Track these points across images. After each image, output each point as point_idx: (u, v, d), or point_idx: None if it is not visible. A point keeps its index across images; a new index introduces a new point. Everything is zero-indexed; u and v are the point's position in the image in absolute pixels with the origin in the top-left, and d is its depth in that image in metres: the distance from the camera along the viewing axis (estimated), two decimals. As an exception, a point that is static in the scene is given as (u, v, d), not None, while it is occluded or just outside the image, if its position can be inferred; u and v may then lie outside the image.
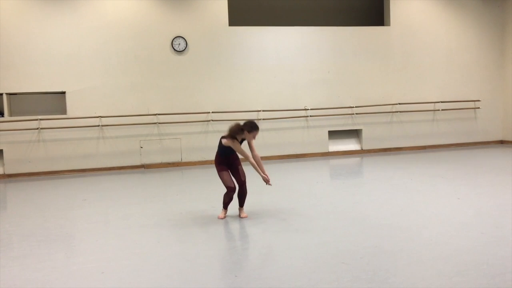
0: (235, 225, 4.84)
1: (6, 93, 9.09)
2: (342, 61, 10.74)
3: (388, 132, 11.09)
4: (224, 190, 5.13)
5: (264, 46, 10.32)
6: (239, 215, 5.14)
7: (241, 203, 5.17)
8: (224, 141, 4.93)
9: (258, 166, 4.98)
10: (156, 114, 9.72)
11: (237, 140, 4.91)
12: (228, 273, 3.49)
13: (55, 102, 9.46)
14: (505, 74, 11.74)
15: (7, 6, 9.02)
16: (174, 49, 9.82)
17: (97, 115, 9.43)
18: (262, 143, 10.07)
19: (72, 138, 9.38)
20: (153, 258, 3.82)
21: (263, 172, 5.00)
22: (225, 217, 5.11)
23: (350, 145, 11.01)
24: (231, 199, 5.08)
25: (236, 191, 5.08)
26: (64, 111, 9.42)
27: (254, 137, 4.96)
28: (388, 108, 11.03)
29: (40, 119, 9.17)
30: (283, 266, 3.50)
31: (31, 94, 9.34)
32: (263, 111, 10.19)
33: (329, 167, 9.44)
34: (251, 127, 4.92)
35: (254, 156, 4.98)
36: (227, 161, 5.07)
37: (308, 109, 10.50)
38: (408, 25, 11.10)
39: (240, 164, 5.12)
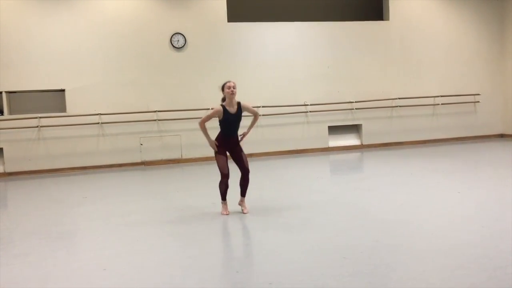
0: (236, 221, 4.84)
1: (6, 92, 9.08)
2: (342, 56, 10.71)
3: (388, 127, 11.08)
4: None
5: (263, 42, 10.30)
6: (240, 206, 5.12)
7: (243, 192, 5.12)
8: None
9: (251, 124, 5.20)
10: (156, 111, 9.71)
11: (222, 107, 4.87)
12: (229, 269, 3.50)
13: (54, 100, 9.44)
14: (504, 67, 11.72)
15: (6, 4, 8.99)
16: (173, 46, 9.80)
17: (97, 113, 9.42)
18: (262, 139, 10.08)
19: (72, 135, 9.37)
20: (154, 255, 3.82)
21: (248, 129, 5.19)
22: (228, 212, 5.07)
23: (350, 140, 11.00)
24: (226, 186, 5.04)
25: (236, 180, 5.07)
26: (63, 109, 9.42)
27: (230, 91, 4.84)
28: (388, 103, 11.01)
29: (40, 117, 9.16)
30: (284, 261, 3.50)
31: (30, 92, 9.32)
32: (262, 107, 10.17)
33: (329, 163, 9.44)
34: (222, 86, 4.96)
35: (256, 116, 5.17)
36: (228, 143, 5.01)
37: (307, 105, 10.49)
38: (408, 19, 11.07)
39: (242, 151, 5.08)
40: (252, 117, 5.22)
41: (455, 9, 11.37)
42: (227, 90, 4.88)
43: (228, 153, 5.08)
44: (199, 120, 5.04)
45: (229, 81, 4.94)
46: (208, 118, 4.96)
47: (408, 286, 2.94)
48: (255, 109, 5.27)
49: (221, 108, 4.89)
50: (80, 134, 9.40)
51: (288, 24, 10.45)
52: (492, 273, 3.09)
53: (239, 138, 5.11)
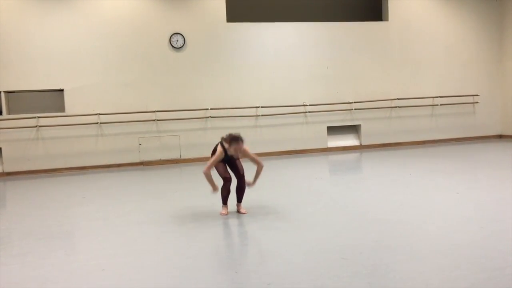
0: (234, 222, 4.84)
1: (4, 91, 9.07)
2: (341, 56, 10.72)
3: (387, 127, 11.09)
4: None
5: (263, 42, 10.30)
6: (238, 211, 5.13)
7: (239, 198, 5.15)
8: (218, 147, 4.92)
9: (256, 174, 5.02)
10: (155, 111, 9.70)
11: (223, 149, 4.85)
12: (228, 269, 3.49)
13: (53, 100, 9.44)
14: (503, 68, 11.74)
15: (6, 4, 8.98)
16: (172, 46, 9.79)
17: (96, 113, 9.42)
18: (261, 140, 10.08)
19: (71, 135, 9.36)
20: (153, 255, 3.82)
21: (253, 180, 5.04)
22: (227, 213, 5.09)
23: (349, 140, 11.01)
24: (228, 191, 5.05)
25: (235, 185, 5.07)
26: (62, 109, 9.41)
27: (235, 152, 4.80)
28: (387, 104, 11.02)
29: (39, 117, 9.15)
30: (282, 262, 3.50)
31: (29, 92, 9.31)
32: (261, 107, 10.18)
33: (328, 163, 9.44)
34: (230, 140, 4.80)
35: (259, 165, 4.97)
36: (225, 158, 5.06)
37: (306, 105, 10.49)
38: (407, 20, 11.08)
39: (238, 159, 5.10)
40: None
41: (454, 10, 11.39)
42: (234, 152, 4.81)
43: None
44: (203, 168, 4.89)
45: (238, 144, 4.75)
46: (213, 164, 4.89)
47: (407, 286, 2.94)
48: (256, 157, 4.97)
49: (223, 151, 4.87)
50: (78, 134, 9.39)
51: (287, 25, 10.46)
52: (491, 273, 3.09)
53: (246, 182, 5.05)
